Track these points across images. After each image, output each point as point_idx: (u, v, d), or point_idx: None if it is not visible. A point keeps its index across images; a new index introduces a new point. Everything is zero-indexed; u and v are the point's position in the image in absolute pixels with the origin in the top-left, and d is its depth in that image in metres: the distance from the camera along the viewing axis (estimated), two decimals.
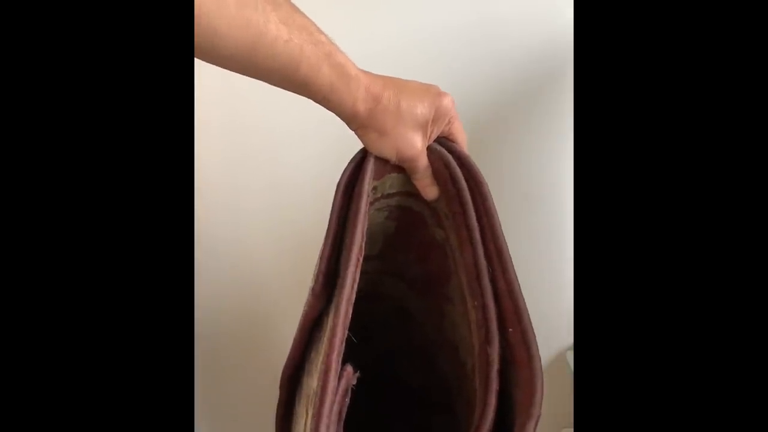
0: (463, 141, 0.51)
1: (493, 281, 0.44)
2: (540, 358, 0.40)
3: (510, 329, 0.42)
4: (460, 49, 0.77)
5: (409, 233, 0.54)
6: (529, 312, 0.92)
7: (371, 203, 0.51)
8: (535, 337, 0.41)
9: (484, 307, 0.43)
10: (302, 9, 0.76)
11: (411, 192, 0.51)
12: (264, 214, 0.84)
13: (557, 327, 0.91)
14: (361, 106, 0.46)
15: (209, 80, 0.74)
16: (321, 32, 0.45)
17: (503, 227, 0.86)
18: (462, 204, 0.47)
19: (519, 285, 0.43)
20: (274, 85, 0.46)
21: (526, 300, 0.90)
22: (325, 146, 0.78)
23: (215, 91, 0.75)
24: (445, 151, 0.49)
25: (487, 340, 0.42)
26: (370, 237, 0.54)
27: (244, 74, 0.44)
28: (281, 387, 0.49)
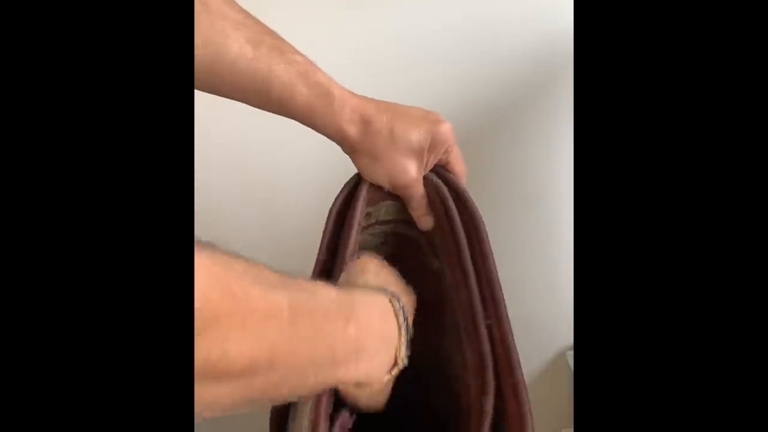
0: (462, 171, 0.49)
1: (489, 328, 0.43)
2: (531, 414, 0.39)
3: (503, 380, 0.41)
4: (460, 48, 0.77)
5: (404, 259, 0.52)
6: (530, 312, 0.92)
7: (365, 228, 0.50)
8: (526, 391, 0.40)
9: (481, 356, 0.42)
10: (299, 10, 0.76)
11: (407, 220, 0.50)
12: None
13: (557, 327, 0.91)
14: (351, 129, 0.45)
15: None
16: (297, 53, 0.45)
17: (503, 227, 0.87)
18: (456, 243, 0.45)
19: (512, 336, 0.42)
20: (253, 105, 0.45)
21: (526, 300, 0.90)
22: (319, 157, 0.78)
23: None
24: (441, 182, 0.47)
25: (483, 391, 0.41)
26: None
27: (215, 94, 0.44)
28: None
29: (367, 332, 0.34)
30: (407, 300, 0.41)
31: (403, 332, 0.37)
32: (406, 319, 0.38)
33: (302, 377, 0.30)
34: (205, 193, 0.79)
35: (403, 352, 0.37)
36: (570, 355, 0.92)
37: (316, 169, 0.78)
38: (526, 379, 1.00)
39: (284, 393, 0.30)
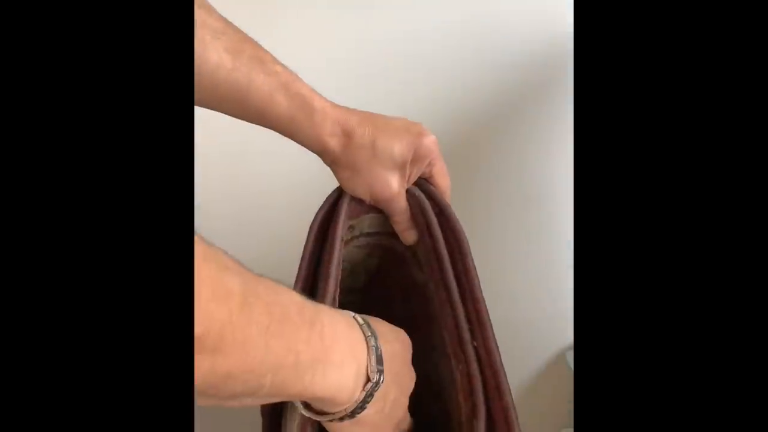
0: (446, 185, 0.48)
1: (475, 349, 0.42)
2: None
3: (493, 403, 0.41)
4: (460, 47, 0.77)
5: (391, 271, 0.52)
6: (530, 312, 0.91)
7: (349, 241, 0.49)
8: (516, 415, 0.40)
9: (470, 378, 0.41)
10: (295, 9, 0.76)
11: (391, 232, 0.49)
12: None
13: (557, 327, 0.91)
14: (332, 141, 0.44)
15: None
16: (277, 63, 0.44)
17: (503, 227, 0.86)
18: (438, 260, 0.44)
19: (499, 355, 0.41)
20: (231, 115, 0.45)
21: (526, 300, 0.89)
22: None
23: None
24: (423, 196, 0.46)
25: (474, 414, 0.41)
26: (352, 271, 0.52)
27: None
28: (263, 415, 0.47)
29: (334, 340, 0.33)
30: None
31: (371, 345, 0.36)
32: (372, 333, 0.36)
33: (257, 375, 0.28)
34: (197, 194, 0.79)
35: (373, 367, 0.35)
36: (570, 355, 0.92)
37: (314, 171, 0.78)
38: (526, 379, 0.99)
39: (237, 389, 0.28)
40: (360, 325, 0.36)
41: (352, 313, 0.37)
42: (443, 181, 0.48)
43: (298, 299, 0.32)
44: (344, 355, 0.34)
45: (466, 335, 0.42)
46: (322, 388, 0.32)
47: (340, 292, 0.44)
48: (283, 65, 0.44)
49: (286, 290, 0.32)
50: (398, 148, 0.45)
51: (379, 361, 0.36)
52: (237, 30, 0.44)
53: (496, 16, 0.75)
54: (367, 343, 0.36)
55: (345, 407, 0.35)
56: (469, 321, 0.43)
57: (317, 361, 0.32)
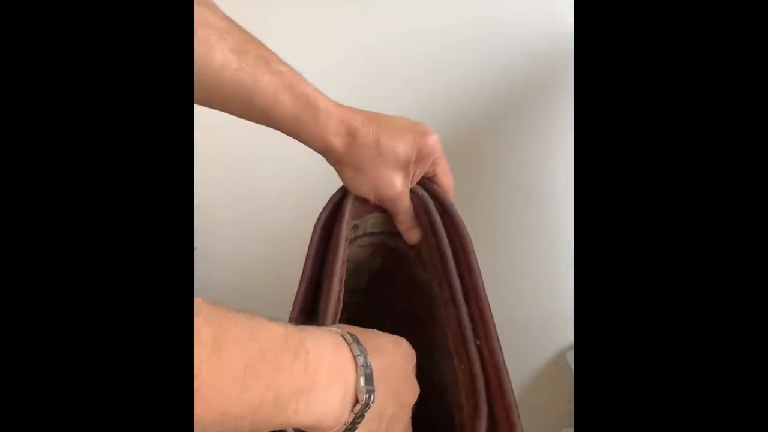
0: (449, 184, 0.48)
1: (478, 348, 0.42)
2: None
3: (495, 403, 0.41)
4: (461, 47, 0.77)
5: (395, 270, 0.52)
6: (530, 312, 0.91)
7: (353, 240, 0.49)
8: (518, 415, 0.40)
9: (472, 378, 0.41)
10: (294, 8, 0.76)
11: (395, 232, 0.49)
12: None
13: (557, 327, 0.91)
14: (336, 141, 0.44)
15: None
16: (282, 63, 0.44)
17: (503, 227, 0.86)
18: (442, 259, 0.44)
19: (502, 354, 0.41)
20: (236, 115, 0.45)
21: (526, 300, 0.89)
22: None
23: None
24: (427, 195, 0.46)
25: (476, 414, 0.41)
26: (355, 271, 0.52)
27: (195, 103, 0.42)
28: None
29: (318, 365, 0.33)
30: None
31: (360, 365, 0.35)
32: (361, 352, 0.35)
33: (233, 417, 0.28)
34: (201, 197, 0.79)
35: (362, 387, 0.34)
36: (570, 355, 0.92)
37: (318, 171, 0.78)
38: (526, 379, 0.99)
39: None
40: (349, 344, 0.36)
41: (341, 331, 0.37)
42: (447, 180, 0.48)
43: (280, 330, 0.32)
44: (330, 378, 0.33)
45: (469, 334, 0.42)
46: (305, 417, 0.32)
47: (344, 292, 0.44)
48: (287, 65, 0.44)
49: (266, 323, 0.31)
50: (402, 147, 0.45)
51: (369, 380, 0.35)
52: (242, 30, 0.44)
53: (497, 17, 0.75)
54: (355, 363, 0.35)
55: (334, 430, 0.34)
56: (472, 320, 0.43)
57: (301, 390, 0.31)
